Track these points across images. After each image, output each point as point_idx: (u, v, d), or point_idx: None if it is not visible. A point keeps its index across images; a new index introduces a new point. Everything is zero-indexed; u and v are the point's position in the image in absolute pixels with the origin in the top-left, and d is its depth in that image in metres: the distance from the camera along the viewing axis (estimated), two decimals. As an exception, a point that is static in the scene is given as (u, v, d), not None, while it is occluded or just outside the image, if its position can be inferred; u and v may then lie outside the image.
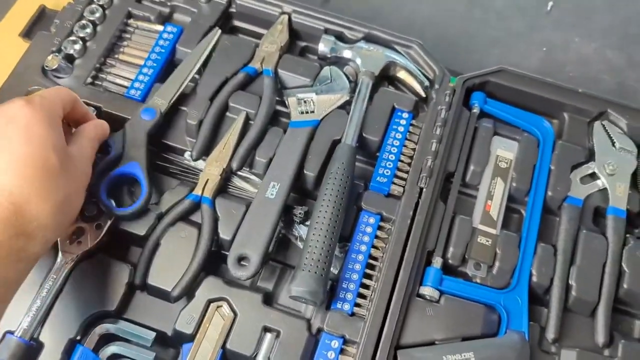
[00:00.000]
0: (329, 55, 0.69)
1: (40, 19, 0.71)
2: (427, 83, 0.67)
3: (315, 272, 0.53)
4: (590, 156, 0.66)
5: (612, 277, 0.59)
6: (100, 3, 0.69)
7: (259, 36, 0.70)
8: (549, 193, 0.63)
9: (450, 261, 0.60)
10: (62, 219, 0.49)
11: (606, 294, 0.59)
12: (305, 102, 0.65)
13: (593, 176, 0.65)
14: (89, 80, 0.65)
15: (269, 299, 0.57)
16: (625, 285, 0.59)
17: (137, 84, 0.65)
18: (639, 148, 0.66)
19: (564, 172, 0.64)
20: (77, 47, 0.66)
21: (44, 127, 0.48)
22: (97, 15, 0.68)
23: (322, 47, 0.68)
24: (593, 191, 0.64)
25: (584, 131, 0.67)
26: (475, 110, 0.67)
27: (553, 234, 0.62)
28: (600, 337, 0.57)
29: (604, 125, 0.67)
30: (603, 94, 0.68)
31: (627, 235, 0.62)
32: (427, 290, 0.57)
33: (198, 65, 0.67)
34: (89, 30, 0.67)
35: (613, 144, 0.66)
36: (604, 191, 0.64)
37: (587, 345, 0.58)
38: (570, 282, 0.59)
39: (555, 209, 0.63)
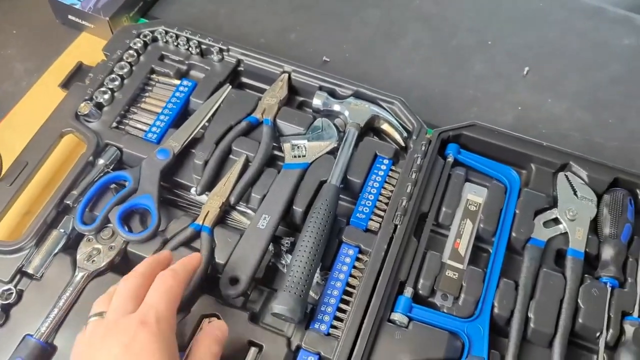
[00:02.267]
0: (321, 109, 0.78)
1: (77, 72, 0.83)
2: (405, 134, 0.76)
3: (295, 293, 0.60)
4: (554, 203, 0.73)
5: (568, 312, 0.65)
6: (129, 60, 0.81)
7: (262, 91, 0.81)
8: (514, 234, 0.70)
9: (420, 292, 0.66)
10: None
11: (562, 327, 0.64)
12: (298, 147, 0.74)
13: (556, 221, 0.72)
14: (114, 124, 0.76)
15: (255, 318, 0.65)
16: (580, 320, 0.65)
17: (154, 129, 0.75)
18: (598, 197, 0.73)
19: (528, 216, 0.71)
20: (107, 96, 0.77)
21: (158, 352, 0.48)
22: (126, 70, 0.80)
23: (316, 101, 0.78)
24: (555, 234, 0.71)
25: (548, 181, 0.75)
26: (450, 159, 0.75)
27: (515, 271, 0.68)
28: (556, 367, 0.63)
29: (567, 176, 0.74)
30: (570, 149, 0.76)
31: (585, 275, 0.68)
32: (397, 316, 0.64)
33: (209, 115, 0.77)
34: (117, 82, 0.78)
35: (575, 192, 0.73)
36: (565, 235, 0.71)
37: (544, 373, 0.63)
38: (529, 314, 0.65)
39: (519, 248, 0.70)
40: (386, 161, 0.74)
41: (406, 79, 0.90)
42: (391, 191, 0.71)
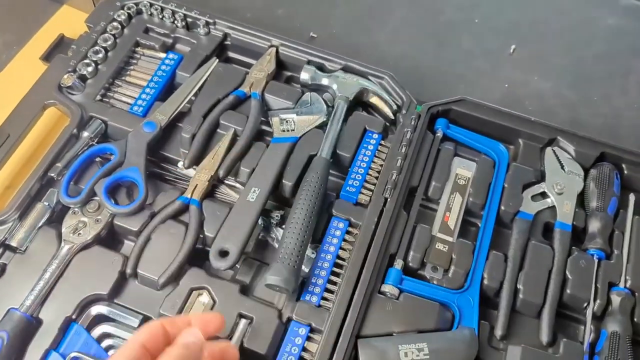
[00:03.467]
0: (309, 83, 0.77)
1: (59, 45, 0.81)
2: (395, 108, 0.75)
3: (289, 264, 0.60)
4: (541, 177, 0.73)
5: (556, 283, 0.66)
6: (113, 33, 0.79)
7: (249, 66, 0.79)
8: (502, 208, 0.70)
9: (410, 264, 0.66)
10: None
11: (551, 297, 0.65)
12: (286, 121, 0.73)
13: (543, 195, 0.72)
14: (98, 97, 0.74)
15: (245, 290, 0.64)
16: (568, 291, 0.65)
17: (140, 102, 0.74)
18: (585, 171, 0.74)
19: (516, 190, 0.72)
20: (90, 69, 0.75)
21: None
22: (109, 42, 0.78)
23: (304, 76, 0.77)
24: (543, 208, 0.71)
25: (536, 155, 0.75)
26: (439, 134, 0.75)
27: (505, 244, 0.69)
28: (545, 336, 0.63)
29: (554, 151, 0.75)
30: (556, 125, 0.76)
31: (573, 247, 0.69)
32: (387, 288, 0.64)
33: (196, 88, 0.75)
34: (101, 55, 0.76)
35: (562, 167, 0.74)
36: (552, 208, 0.71)
37: (532, 343, 0.63)
38: (518, 285, 0.65)
39: (508, 222, 0.70)
40: (375, 135, 0.73)
41: (394, 56, 0.89)
42: (381, 165, 0.71)
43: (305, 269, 0.65)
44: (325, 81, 0.77)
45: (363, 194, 0.69)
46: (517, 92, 0.87)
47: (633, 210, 0.72)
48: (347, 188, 0.69)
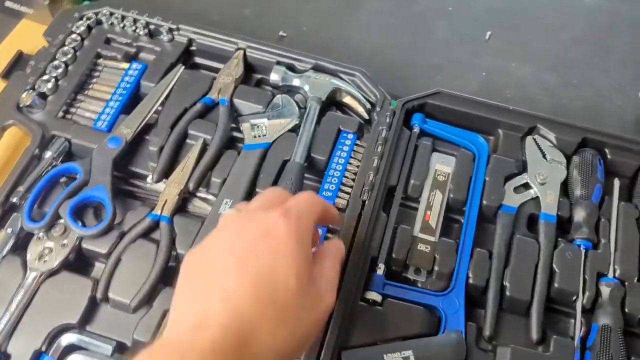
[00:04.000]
0: (280, 84, 0.75)
1: (18, 62, 0.77)
2: (369, 106, 0.73)
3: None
4: (523, 168, 0.71)
5: (543, 277, 0.64)
6: (72, 45, 0.76)
7: (217, 70, 0.76)
8: (484, 202, 0.68)
9: (393, 267, 0.64)
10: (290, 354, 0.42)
11: (538, 293, 0.63)
12: (257, 127, 0.71)
13: (526, 186, 0.70)
14: (60, 114, 0.71)
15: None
16: (556, 285, 0.63)
17: (103, 116, 0.71)
18: (567, 159, 0.72)
19: (498, 183, 0.69)
20: (50, 85, 0.72)
21: (294, 248, 0.42)
22: (69, 56, 0.75)
23: (274, 77, 0.75)
24: (526, 200, 0.69)
25: (517, 145, 0.73)
26: (416, 130, 0.73)
27: (489, 240, 0.67)
28: (534, 334, 0.61)
29: (535, 140, 0.73)
30: (537, 112, 0.74)
31: (559, 239, 0.67)
32: (371, 295, 0.62)
33: (162, 98, 0.73)
34: (60, 70, 0.73)
35: (544, 156, 0.72)
36: (536, 199, 0.69)
37: (522, 342, 0.61)
38: (504, 283, 0.63)
39: (491, 216, 0.68)
40: (350, 136, 0.71)
41: (368, 49, 0.87)
42: (357, 166, 0.69)
43: (284, 280, 0.63)
44: (296, 82, 0.75)
45: (340, 197, 0.66)
46: (496, 80, 0.85)
47: (618, 195, 0.70)
48: (324, 193, 0.66)
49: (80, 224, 0.63)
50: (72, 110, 0.73)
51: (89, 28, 0.78)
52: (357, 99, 0.73)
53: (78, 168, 0.65)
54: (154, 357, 0.38)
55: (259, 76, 0.78)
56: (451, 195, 0.69)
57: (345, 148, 0.70)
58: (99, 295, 0.60)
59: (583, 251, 0.65)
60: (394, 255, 0.64)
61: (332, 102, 0.75)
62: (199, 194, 0.68)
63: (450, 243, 0.65)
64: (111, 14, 0.78)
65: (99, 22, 0.79)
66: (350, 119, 0.73)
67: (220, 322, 0.39)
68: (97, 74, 0.75)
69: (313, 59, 0.76)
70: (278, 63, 0.76)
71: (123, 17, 0.78)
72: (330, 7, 0.92)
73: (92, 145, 0.68)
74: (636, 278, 0.64)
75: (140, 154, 0.70)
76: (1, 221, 0.64)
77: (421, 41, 0.88)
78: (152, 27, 0.78)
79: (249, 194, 0.66)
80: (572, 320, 0.63)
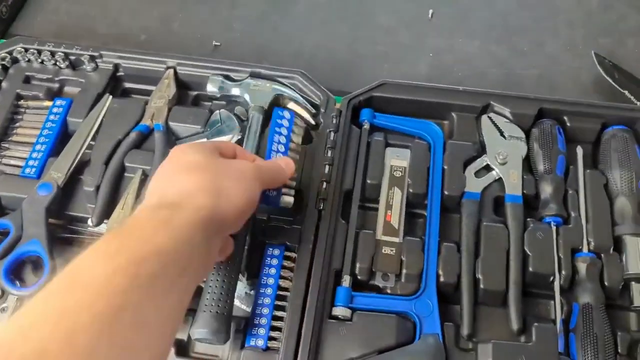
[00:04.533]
0: (218, 95, 0.70)
1: None
2: (314, 110, 0.69)
3: (217, 312, 0.53)
4: (482, 150, 0.68)
5: (517, 263, 0.61)
6: (-11, 90, 0.70)
7: (150, 93, 0.72)
8: (446, 192, 0.65)
9: (359, 277, 0.61)
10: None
11: (514, 280, 0.60)
12: (197, 149, 0.66)
13: (487, 168, 0.67)
14: (-15, 166, 0.67)
15: (183, 350, 0.58)
16: (531, 269, 0.60)
17: (31, 162, 0.66)
18: (526, 133, 0.69)
19: (457, 170, 0.66)
20: (-31, 136, 0.67)
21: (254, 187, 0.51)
22: (-13, 101, 0.69)
23: (211, 87, 0.70)
24: (489, 183, 0.66)
25: (472, 127, 0.69)
26: (365, 126, 0.69)
27: (455, 232, 0.64)
28: (514, 324, 0.58)
29: (490, 118, 0.69)
30: (491, 86, 0.71)
31: (528, 219, 0.63)
32: (339, 311, 0.58)
33: (92, 132, 0.68)
34: (-21, 118, 0.68)
35: (502, 133, 0.68)
36: (499, 181, 0.66)
37: (503, 335, 0.58)
38: (477, 275, 0.60)
39: (454, 206, 0.65)
40: (287, 114, 0.67)
41: (308, 47, 0.83)
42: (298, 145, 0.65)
43: (247, 308, 0.59)
44: (235, 91, 0.70)
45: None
46: (444, 59, 0.81)
47: (582, 164, 0.67)
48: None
49: (18, 284, 0.58)
50: (-3, 159, 0.68)
51: (5, 68, 0.72)
52: (300, 103, 0.69)
53: (8, 223, 0.61)
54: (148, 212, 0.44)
55: (195, 93, 0.74)
56: (410, 190, 0.65)
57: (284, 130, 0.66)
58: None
59: (554, 228, 0.62)
60: (358, 264, 0.61)
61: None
62: (144, 230, 0.63)
63: (415, 241, 0.62)
64: (26, 49, 0.73)
65: (15, 61, 0.73)
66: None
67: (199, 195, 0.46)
68: (19, 116, 0.70)
69: (248, 67, 0.71)
70: (213, 75, 0.71)
71: (39, 52, 0.72)
72: (262, 8, 0.87)
73: (21, 195, 0.63)
74: (612, 248, 0.62)
75: (76, 197, 0.65)
76: None
77: (363, 30, 0.84)
78: (72, 57, 0.73)
79: (197, 223, 0.62)
80: (552, 302, 0.60)
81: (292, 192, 0.62)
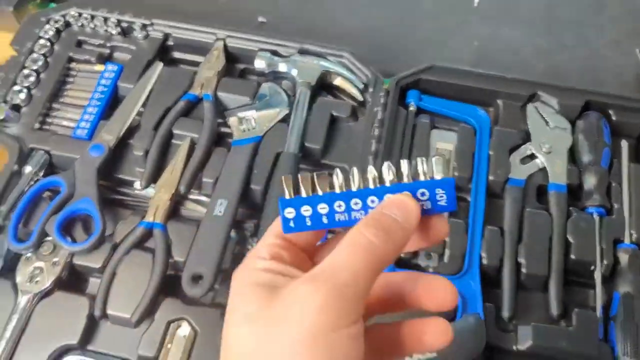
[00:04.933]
0: (266, 71, 0.71)
1: (-14, 75, 0.73)
2: (362, 87, 0.69)
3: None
4: (527, 138, 0.68)
5: (559, 250, 0.61)
6: (42, 52, 0.71)
7: (198, 64, 0.72)
8: (491, 177, 0.65)
9: (402, 255, 0.61)
10: None
11: (555, 266, 0.60)
12: (246, 120, 0.67)
13: (532, 156, 0.67)
14: (37, 125, 0.67)
15: (228, 313, 0.59)
16: (572, 256, 0.61)
17: (83, 124, 0.67)
18: (572, 124, 0.69)
19: (502, 156, 0.66)
20: (22, 95, 0.68)
21: None
22: (40, 63, 0.70)
23: (259, 63, 0.71)
24: (533, 171, 0.66)
25: (518, 115, 0.70)
26: (412, 108, 0.69)
27: (499, 217, 0.64)
28: (554, 310, 0.59)
29: (536, 107, 0.70)
30: (534, 78, 0.71)
31: (570, 208, 0.64)
32: (381, 286, 0.59)
33: (142, 99, 0.69)
34: (32, 78, 0.69)
35: (547, 123, 0.69)
36: (543, 170, 0.66)
37: (543, 319, 0.59)
38: (519, 260, 0.61)
39: (499, 191, 0.65)
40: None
41: (353, 29, 0.83)
42: (355, 152, 0.65)
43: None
44: (283, 67, 0.71)
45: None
46: (488, 47, 0.81)
47: (627, 157, 0.67)
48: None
49: (69, 239, 0.60)
50: (49, 120, 0.69)
51: (58, 32, 0.73)
52: (349, 80, 0.70)
53: (61, 181, 0.62)
54: None
55: (243, 66, 0.74)
56: (456, 173, 0.66)
57: (341, 134, 0.66)
58: (97, 312, 0.57)
59: (597, 219, 0.63)
60: (402, 242, 0.61)
61: (323, 87, 0.71)
62: (191, 197, 0.65)
63: (459, 223, 0.62)
64: (80, 14, 0.73)
65: (67, 25, 0.74)
66: (343, 103, 0.69)
67: None
68: (71, 79, 0.71)
69: (297, 42, 0.72)
70: (261, 50, 0.72)
71: (92, 17, 0.73)
72: (308, -13, 0.87)
73: (73, 155, 0.65)
74: (654, 241, 0.62)
75: (126, 160, 0.66)
76: (-15, 245, 0.60)
77: (409, 14, 0.84)
78: (124, 24, 0.73)
79: (244, 192, 0.62)
80: (592, 291, 0.61)
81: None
